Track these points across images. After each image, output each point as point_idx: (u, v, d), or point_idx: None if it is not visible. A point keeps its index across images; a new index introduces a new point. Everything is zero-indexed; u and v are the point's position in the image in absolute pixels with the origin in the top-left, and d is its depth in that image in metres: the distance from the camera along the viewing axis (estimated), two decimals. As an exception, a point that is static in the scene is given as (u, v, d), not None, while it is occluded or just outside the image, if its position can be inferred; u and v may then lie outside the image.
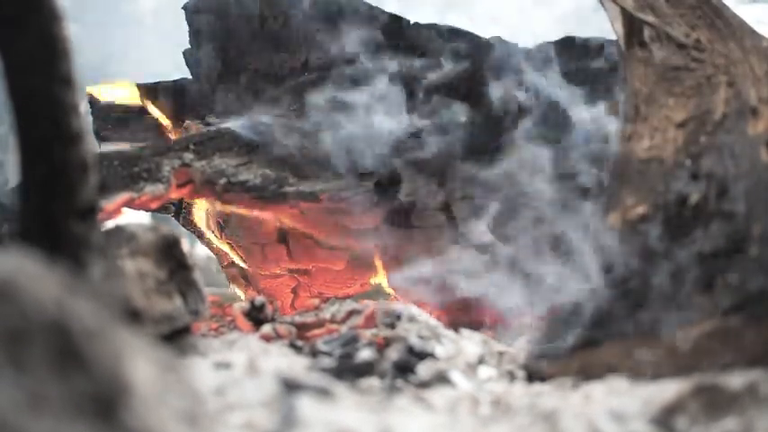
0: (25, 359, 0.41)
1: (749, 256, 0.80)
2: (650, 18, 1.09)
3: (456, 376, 0.86)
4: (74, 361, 0.44)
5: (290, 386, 0.72)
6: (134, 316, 0.84)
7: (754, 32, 1.03)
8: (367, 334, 1.00)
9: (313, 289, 1.68)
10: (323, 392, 0.72)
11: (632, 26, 1.11)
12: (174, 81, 1.66)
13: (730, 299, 0.77)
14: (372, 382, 0.83)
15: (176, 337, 0.93)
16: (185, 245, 0.98)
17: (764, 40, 1.02)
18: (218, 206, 1.59)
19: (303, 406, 0.67)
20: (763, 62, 0.98)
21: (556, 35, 1.57)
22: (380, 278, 1.56)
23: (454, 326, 1.24)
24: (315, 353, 0.96)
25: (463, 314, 1.42)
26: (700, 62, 1.02)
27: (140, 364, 0.52)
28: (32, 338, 0.43)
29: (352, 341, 0.97)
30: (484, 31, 1.56)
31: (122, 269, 0.87)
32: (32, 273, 0.47)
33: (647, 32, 1.08)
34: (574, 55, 1.52)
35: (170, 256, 0.94)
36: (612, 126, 1.30)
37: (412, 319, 1.05)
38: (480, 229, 1.42)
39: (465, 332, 1.09)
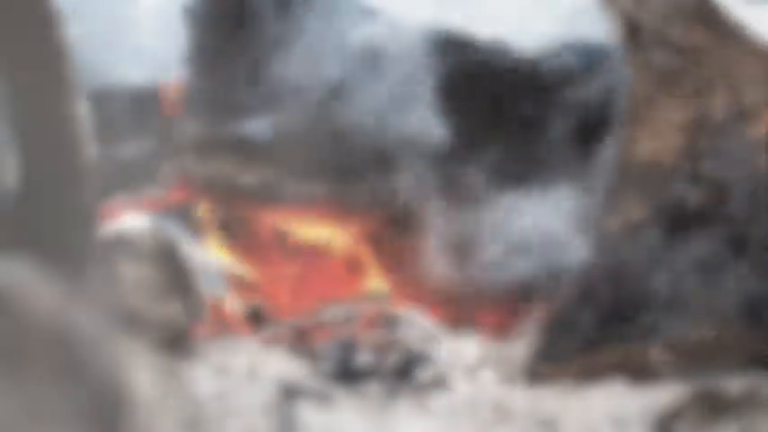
0: (24, 371, 0.41)
1: (749, 261, 0.80)
2: (650, 21, 1.09)
3: (455, 380, 0.86)
4: (73, 371, 0.44)
5: (290, 391, 0.72)
6: (134, 322, 0.84)
7: (753, 35, 1.04)
8: (366, 337, 1.00)
9: (312, 291, 1.68)
10: (322, 397, 0.72)
11: (632, 28, 1.11)
12: (174, 83, 1.66)
13: (730, 303, 0.78)
14: (372, 386, 0.83)
15: (176, 342, 0.93)
16: (185, 248, 0.98)
17: (764, 43, 1.02)
18: (218, 208, 1.58)
19: (302, 411, 0.67)
20: (762, 65, 0.98)
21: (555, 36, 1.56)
22: (379, 280, 1.56)
23: (454, 327, 1.24)
24: (314, 357, 0.96)
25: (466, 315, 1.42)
26: (699, 65, 1.03)
27: (141, 371, 0.52)
28: (31, 349, 0.42)
29: (351, 345, 0.97)
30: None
31: (121, 274, 0.87)
32: (30, 281, 0.47)
33: (646, 35, 1.08)
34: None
35: (169, 259, 0.94)
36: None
37: (412, 321, 1.05)
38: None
39: (465, 334, 1.09)
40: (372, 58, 1.35)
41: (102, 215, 1.27)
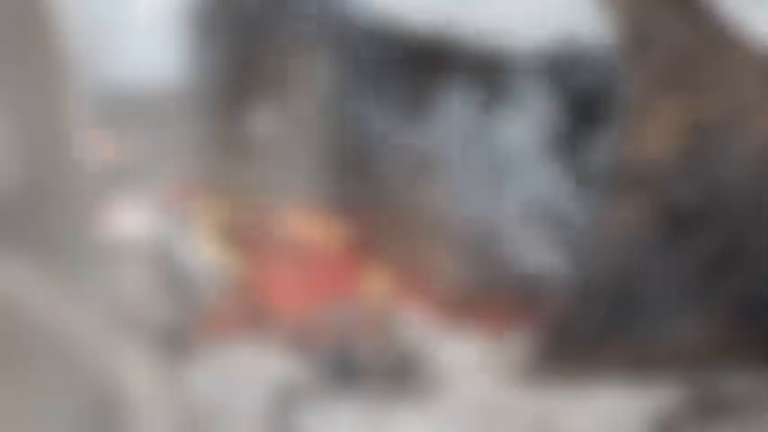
0: (21, 372, 0.41)
1: (749, 261, 0.80)
2: (649, 19, 1.09)
3: (455, 380, 0.86)
4: (72, 372, 0.44)
5: (290, 391, 0.72)
6: (133, 322, 0.84)
7: (753, 36, 1.03)
8: (366, 337, 1.00)
9: (313, 290, 1.68)
10: (321, 398, 0.72)
11: (631, 27, 1.11)
12: (175, 84, 1.66)
13: (730, 303, 0.78)
14: (371, 386, 0.83)
15: (176, 342, 0.93)
16: (184, 248, 0.98)
17: (764, 43, 1.02)
18: (218, 208, 1.58)
19: (302, 411, 0.67)
20: (763, 65, 0.98)
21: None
22: (379, 280, 1.56)
23: (454, 327, 1.24)
24: (314, 357, 0.96)
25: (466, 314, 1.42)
26: (699, 64, 1.03)
27: (140, 372, 0.52)
28: (28, 350, 0.43)
29: (350, 344, 0.97)
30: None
31: (121, 274, 0.87)
32: (28, 280, 0.47)
33: (646, 35, 1.08)
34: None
35: (169, 260, 0.94)
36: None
37: (411, 321, 1.05)
38: None
39: (465, 334, 1.09)
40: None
41: (101, 215, 1.27)
